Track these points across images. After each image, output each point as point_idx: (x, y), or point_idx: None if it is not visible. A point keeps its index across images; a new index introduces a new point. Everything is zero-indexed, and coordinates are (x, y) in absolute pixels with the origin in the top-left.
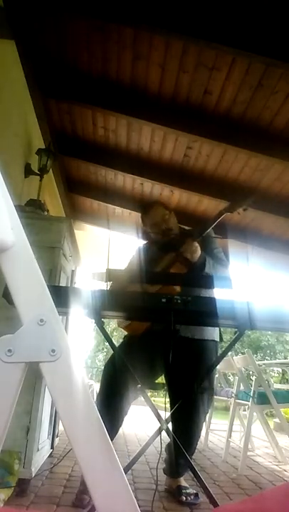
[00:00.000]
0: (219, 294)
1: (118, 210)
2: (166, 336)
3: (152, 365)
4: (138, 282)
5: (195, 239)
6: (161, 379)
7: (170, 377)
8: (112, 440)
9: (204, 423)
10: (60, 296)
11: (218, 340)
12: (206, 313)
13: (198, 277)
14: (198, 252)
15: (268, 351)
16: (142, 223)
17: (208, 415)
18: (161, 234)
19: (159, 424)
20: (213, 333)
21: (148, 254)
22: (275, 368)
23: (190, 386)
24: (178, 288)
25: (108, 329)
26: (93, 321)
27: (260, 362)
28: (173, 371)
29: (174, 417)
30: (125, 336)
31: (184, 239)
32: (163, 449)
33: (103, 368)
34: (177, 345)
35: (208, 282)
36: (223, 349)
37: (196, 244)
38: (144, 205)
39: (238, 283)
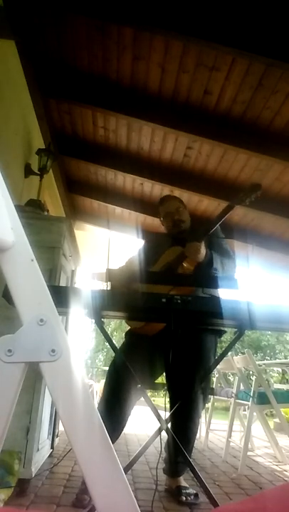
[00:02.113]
0: (219, 293)
1: (118, 210)
2: (166, 334)
3: (153, 364)
4: (142, 281)
5: (200, 239)
6: (161, 379)
7: (169, 373)
8: (113, 443)
9: (204, 423)
10: (60, 296)
11: (218, 334)
12: (206, 313)
13: (204, 277)
14: (202, 252)
15: (268, 351)
16: (158, 215)
17: (208, 415)
18: (172, 224)
19: (159, 424)
20: None
21: (155, 244)
22: (275, 368)
23: (189, 381)
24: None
25: (108, 329)
26: (93, 321)
27: (260, 362)
28: (173, 366)
29: (172, 414)
30: (126, 334)
31: (188, 239)
32: (163, 449)
33: (107, 371)
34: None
35: (213, 283)
36: (223, 349)
37: (198, 245)
38: (162, 197)
39: (243, 283)
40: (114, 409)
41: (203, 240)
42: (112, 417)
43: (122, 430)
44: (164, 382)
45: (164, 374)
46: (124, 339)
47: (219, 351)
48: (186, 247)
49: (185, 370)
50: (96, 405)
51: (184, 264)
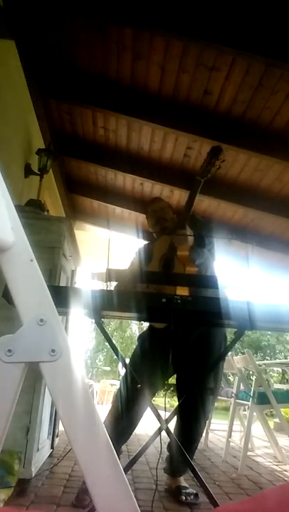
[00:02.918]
0: (219, 293)
1: (118, 210)
2: (174, 334)
3: (165, 366)
4: (142, 282)
5: (183, 225)
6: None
7: (180, 373)
8: (121, 445)
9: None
10: (60, 296)
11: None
12: (206, 313)
13: (198, 278)
14: (189, 237)
15: (268, 351)
16: (146, 214)
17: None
18: (156, 221)
19: (159, 424)
20: None
21: (149, 250)
22: (275, 368)
23: (199, 380)
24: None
25: (108, 329)
26: (93, 321)
27: (260, 362)
28: (183, 366)
29: (179, 414)
30: (138, 338)
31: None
32: (164, 449)
33: (121, 377)
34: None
35: (209, 282)
36: (223, 349)
37: (183, 231)
38: (152, 198)
39: (238, 283)
40: (126, 414)
41: (186, 225)
42: (123, 422)
43: (131, 434)
44: (165, 382)
45: (176, 376)
46: (137, 342)
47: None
48: (173, 238)
49: (196, 369)
50: (96, 405)
51: (179, 252)
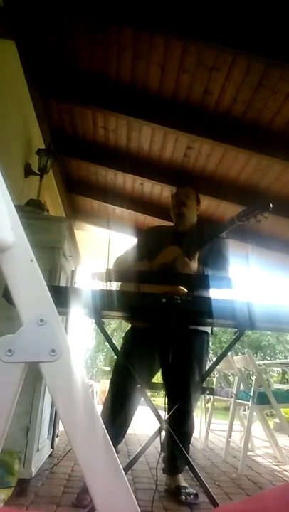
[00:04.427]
0: (219, 294)
1: (118, 210)
2: (165, 334)
3: (152, 363)
4: (139, 280)
5: (191, 255)
6: (160, 379)
7: (166, 372)
8: (117, 445)
9: (204, 422)
10: (60, 296)
11: (209, 332)
12: (206, 313)
13: (199, 277)
14: (192, 268)
15: (268, 351)
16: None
17: (208, 415)
18: (176, 202)
19: (158, 424)
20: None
21: (157, 236)
22: (275, 368)
23: (184, 380)
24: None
25: (108, 329)
26: (93, 321)
27: (260, 362)
28: (169, 366)
29: (171, 416)
30: (124, 337)
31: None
32: (160, 449)
33: (111, 376)
34: (173, 336)
35: (209, 283)
36: (224, 349)
37: (187, 262)
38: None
39: (238, 283)
40: (119, 414)
41: (195, 256)
42: (117, 421)
43: (126, 433)
44: (151, 379)
45: (161, 373)
46: (122, 341)
47: (219, 351)
48: (176, 261)
49: (180, 368)
50: (96, 405)
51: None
